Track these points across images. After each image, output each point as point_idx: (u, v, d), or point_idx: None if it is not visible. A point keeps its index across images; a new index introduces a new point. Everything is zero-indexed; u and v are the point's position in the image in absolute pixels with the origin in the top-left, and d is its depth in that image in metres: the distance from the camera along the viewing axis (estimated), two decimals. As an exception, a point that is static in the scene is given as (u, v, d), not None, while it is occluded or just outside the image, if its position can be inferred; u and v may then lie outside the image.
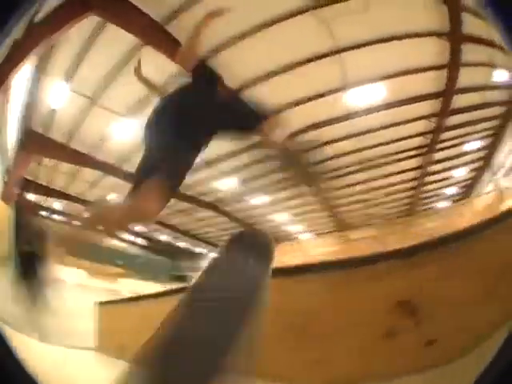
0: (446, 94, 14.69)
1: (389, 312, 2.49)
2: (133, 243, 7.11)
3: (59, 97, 4.44)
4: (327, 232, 21.95)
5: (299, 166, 14.96)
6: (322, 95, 12.18)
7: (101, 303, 4.98)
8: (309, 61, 10.72)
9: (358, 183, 18.68)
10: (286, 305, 2.68)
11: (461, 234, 2.79)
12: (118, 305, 4.98)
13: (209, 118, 3.22)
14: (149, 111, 3.50)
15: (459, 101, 15.74)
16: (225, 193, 16.01)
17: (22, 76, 3.61)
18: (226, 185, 15.31)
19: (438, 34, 11.88)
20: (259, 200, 17.22)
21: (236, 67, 7.78)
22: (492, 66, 10.14)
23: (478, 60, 10.38)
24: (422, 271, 2.57)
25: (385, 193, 20.93)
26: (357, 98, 12.28)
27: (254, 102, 3.90)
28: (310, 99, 12.12)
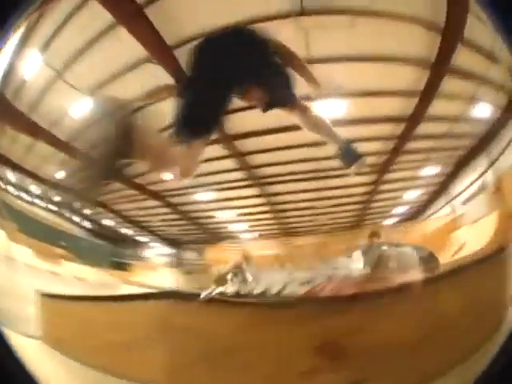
0: (411, 119, 15.00)
1: (311, 352, 2.43)
2: (78, 225, 6.92)
3: (31, 67, 4.30)
4: (270, 236, 22.25)
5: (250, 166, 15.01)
6: None
7: (43, 294, 4.82)
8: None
9: (307, 191, 19.08)
10: (207, 331, 2.66)
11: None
12: (58, 300, 4.79)
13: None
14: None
15: (424, 127, 16.19)
16: (172, 184, 15.90)
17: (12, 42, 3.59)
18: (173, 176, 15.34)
19: (421, 62, 12.06)
20: (206, 196, 17.32)
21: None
22: (472, 99, 10.45)
23: (456, 92, 10.67)
24: (354, 313, 2.52)
25: (333, 204, 21.44)
26: (319, 108, 12.34)
27: None
28: None
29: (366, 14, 9.42)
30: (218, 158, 13.24)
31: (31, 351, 3.36)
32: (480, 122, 9.37)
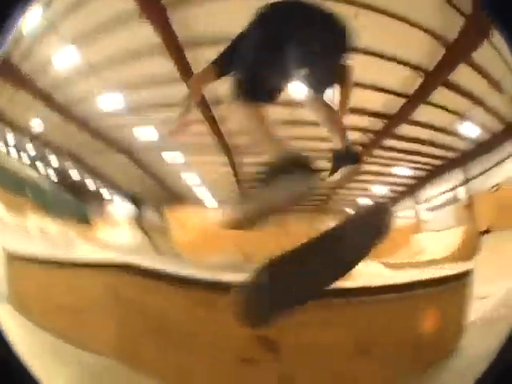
0: (394, 118, 14.97)
1: (252, 341, 2.47)
2: (46, 177, 6.90)
3: (30, 22, 4.31)
4: (231, 204, 22.19)
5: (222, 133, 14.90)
6: None
7: (8, 254, 4.76)
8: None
9: None
10: (154, 308, 2.67)
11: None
12: (20, 261, 4.71)
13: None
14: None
15: (406, 129, 16.14)
16: (143, 142, 15.88)
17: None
18: (147, 134, 15.32)
19: (417, 67, 12.06)
20: (175, 156, 17.25)
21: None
22: (463, 116, 10.58)
23: (448, 105, 10.74)
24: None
25: None
26: (301, 88, 12.29)
27: None
28: None
29: (375, 10, 9.41)
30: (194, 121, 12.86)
31: (2, 314, 3.38)
32: (465, 140, 9.46)
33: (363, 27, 9.68)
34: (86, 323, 3.14)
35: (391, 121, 14.73)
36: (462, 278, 3.36)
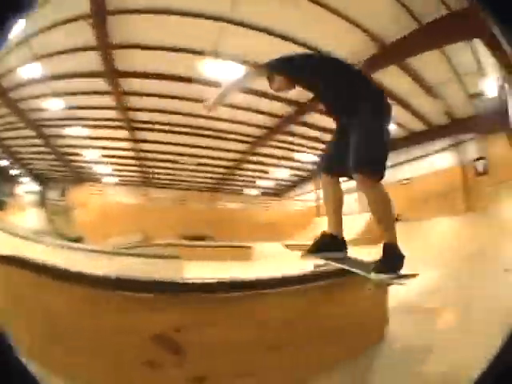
0: (303, 105, 15.26)
1: (151, 343, 2.15)
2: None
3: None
4: (131, 184, 21.90)
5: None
6: (185, 50, 11.83)
7: None
8: (198, 15, 10.31)
9: (175, 144, 18.75)
10: (49, 306, 2.41)
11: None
12: None
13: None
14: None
15: (315, 118, 16.42)
16: (50, 113, 15.21)
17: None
18: (54, 106, 14.66)
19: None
20: (77, 131, 16.86)
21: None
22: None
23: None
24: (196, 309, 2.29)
25: (199, 162, 21.15)
26: (216, 68, 12.34)
27: None
28: (175, 49, 11.83)
29: (319, 4, 9.33)
30: (97, 93, 12.56)
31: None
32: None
33: (296, 15, 9.48)
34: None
35: (300, 108, 14.82)
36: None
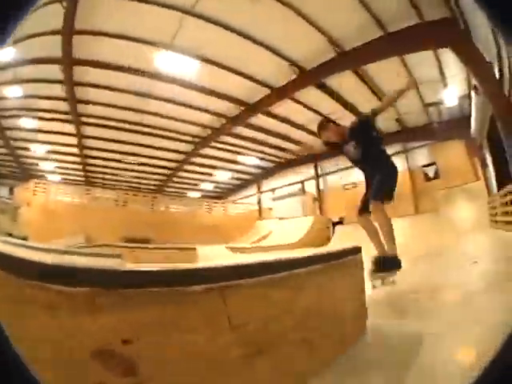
0: (250, 108, 15.31)
1: (92, 361, 1.49)
2: None
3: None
4: (75, 182, 21.70)
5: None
6: (142, 40, 11.66)
7: None
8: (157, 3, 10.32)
9: (120, 142, 18.49)
10: None
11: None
12: None
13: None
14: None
15: (262, 121, 16.53)
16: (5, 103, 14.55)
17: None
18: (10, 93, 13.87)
19: (298, 66, 12.18)
20: (28, 122, 16.24)
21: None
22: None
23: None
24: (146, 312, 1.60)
25: (142, 162, 21.05)
26: (170, 62, 11.89)
27: None
28: (128, 38, 11.24)
29: (280, 3, 8.95)
30: (50, 81, 11.88)
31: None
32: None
33: (253, 12, 9.06)
34: None
35: (246, 110, 14.55)
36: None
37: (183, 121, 18.17)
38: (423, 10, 10.24)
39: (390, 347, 2.76)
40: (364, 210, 5.28)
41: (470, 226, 12.18)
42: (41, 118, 17.69)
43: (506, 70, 7.84)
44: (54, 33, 11.10)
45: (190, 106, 16.52)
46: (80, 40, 11.61)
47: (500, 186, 11.72)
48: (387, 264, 4.80)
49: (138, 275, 1.53)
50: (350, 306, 3.03)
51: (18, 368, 1.13)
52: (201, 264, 1.78)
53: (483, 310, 3.14)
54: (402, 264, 4.90)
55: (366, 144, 5.28)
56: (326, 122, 5.79)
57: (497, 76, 8.90)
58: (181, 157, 23.34)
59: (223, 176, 28.11)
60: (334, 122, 6.19)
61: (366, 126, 5.33)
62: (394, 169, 5.20)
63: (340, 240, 17.05)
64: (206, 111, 17.15)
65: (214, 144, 21.24)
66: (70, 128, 18.52)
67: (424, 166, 20.03)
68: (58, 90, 14.35)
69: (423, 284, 4.92)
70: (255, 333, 1.85)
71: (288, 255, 2.50)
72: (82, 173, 25.54)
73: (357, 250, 3.43)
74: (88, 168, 24.80)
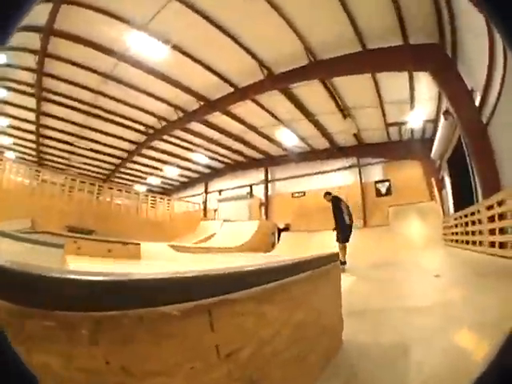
0: (210, 105, 15.33)
1: None
2: None
3: None
4: (28, 162, 21.19)
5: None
6: (119, 17, 11.27)
7: None
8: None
9: (75, 124, 18.12)
10: None
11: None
12: None
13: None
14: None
15: (218, 120, 16.42)
16: None
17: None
18: None
19: (268, 68, 12.16)
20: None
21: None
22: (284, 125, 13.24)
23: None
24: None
25: (92, 148, 20.66)
26: (140, 44, 11.44)
27: None
28: (106, 12, 10.94)
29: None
30: (15, 49, 11.25)
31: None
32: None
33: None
34: None
35: (205, 106, 14.41)
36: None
37: (140, 109, 17.62)
38: (409, 32, 10.38)
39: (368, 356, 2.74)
40: (337, 240, 10.06)
41: (422, 242, 12.61)
42: (7, 88, 16.73)
43: (491, 99, 7.91)
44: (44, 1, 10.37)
45: (150, 94, 16.02)
46: (63, 10, 10.91)
47: (458, 206, 12.19)
48: (341, 263, 7.74)
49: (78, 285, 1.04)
50: (332, 314, 2.95)
51: (18, 368, 0.98)
52: (175, 272, 1.16)
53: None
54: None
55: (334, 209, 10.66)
56: (326, 194, 11.16)
57: (477, 103, 8.84)
58: (132, 147, 22.70)
59: (171, 172, 27.56)
60: (330, 194, 11.09)
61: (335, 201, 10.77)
62: (349, 225, 10.46)
63: (287, 246, 17.21)
64: (165, 101, 16.72)
65: (166, 137, 20.84)
66: (32, 102, 17.45)
67: (377, 181, 20.44)
68: (31, 60, 13.57)
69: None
70: (248, 360, 1.48)
71: (276, 263, 2.15)
72: (34, 152, 24.27)
73: (336, 256, 3.34)
74: (41, 148, 23.58)
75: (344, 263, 8.89)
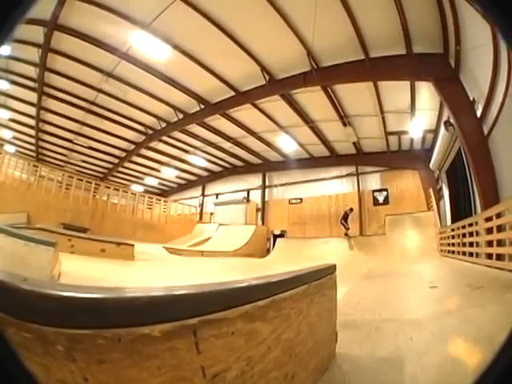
0: (213, 107, 15.20)
1: None
2: None
3: None
4: (25, 156, 21.16)
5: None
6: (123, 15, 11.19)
7: None
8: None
9: (76, 121, 17.95)
10: None
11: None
12: None
13: None
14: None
15: (215, 122, 16.40)
16: None
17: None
18: None
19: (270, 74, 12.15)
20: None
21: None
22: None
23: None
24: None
25: (92, 146, 23.99)
26: (144, 43, 11.31)
27: None
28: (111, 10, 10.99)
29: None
30: (19, 42, 11.13)
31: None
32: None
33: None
34: None
35: (205, 109, 14.53)
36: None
37: (140, 108, 17.61)
38: (413, 41, 10.37)
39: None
40: None
41: (418, 252, 12.58)
42: (10, 81, 16.73)
43: (493, 111, 7.87)
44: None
45: (151, 94, 15.98)
46: (69, 4, 10.84)
47: (455, 217, 12.19)
48: None
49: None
50: (326, 328, 2.85)
51: (18, 368, 0.93)
52: (157, 289, 1.08)
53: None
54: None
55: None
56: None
57: (478, 114, 8.87)
58: (130, 146, 22.65)
59: (169, 173, 27.41)
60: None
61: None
62: None
63: (282, 252, 17.43)
64: (165, 102, 16.69)
65: (165, 138, 20.78)
66: (33, 97, 17.41)
67: (375, 190, 20.35)
68: (34, 54, 13.56)
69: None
70: (236, 381, 1.39)
71: (268, 278, 2.04)
72: (33, 147, 24.29)
73: (333, 269, 3.20)
74: (40, 144, 23.59)
75: None
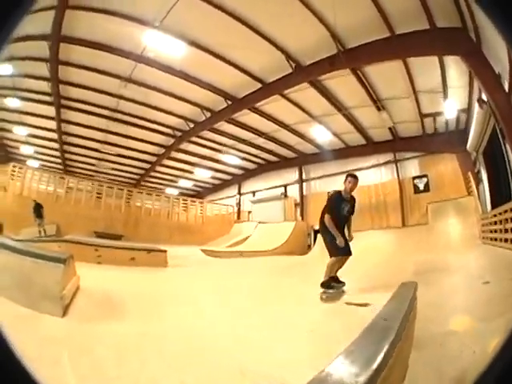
0: (237, 103, 14.90)
1: None
2: None
3: None
4: (52, 169, 21.44)
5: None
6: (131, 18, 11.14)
7: None
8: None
9: (100, 130, 19.83)
10: None
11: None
12: None
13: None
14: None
15: (245, 117, 16.10)
16: None
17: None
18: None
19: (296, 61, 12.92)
20: (11, 102, 17.70)
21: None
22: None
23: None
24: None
25: (120, 153, 23.18)
26: (157, 43, 11.05)
27: None
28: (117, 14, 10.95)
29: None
30: (35, 59, 10.90)
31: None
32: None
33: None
34: None
35: (232, 105, 13.94)
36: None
37: (164, 111, 17.42)
38: (435, 17, 9.72)
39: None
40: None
41: (461, 242, 11.72)
42: (25, 99, 17.03)
43: None
44: (46, 9, 10.31)
45: (173, 95, 15.74)
46: (70, 16, 10.89)
47: (495, 202, 11.20)
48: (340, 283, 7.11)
49: None
50: None
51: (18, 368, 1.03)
52: None
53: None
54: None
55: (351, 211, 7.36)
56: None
57: (506, 89, 8.25)
58: (160, 150, 22.53)
59: (203, 174, 27.15)
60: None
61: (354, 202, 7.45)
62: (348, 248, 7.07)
63: (324, 248, 16.10)
64: (189, 102, 16.42)
65: (194, 139, 20.50)
66: (51, 111, 17.70)
67: (414, 177, 19.31)
68: (44, 68, 13.61)
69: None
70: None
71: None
72: (58, 160, 24.75)
73: None
74: (65, 156, 23.96)
75: (339, 283, 6.90)
